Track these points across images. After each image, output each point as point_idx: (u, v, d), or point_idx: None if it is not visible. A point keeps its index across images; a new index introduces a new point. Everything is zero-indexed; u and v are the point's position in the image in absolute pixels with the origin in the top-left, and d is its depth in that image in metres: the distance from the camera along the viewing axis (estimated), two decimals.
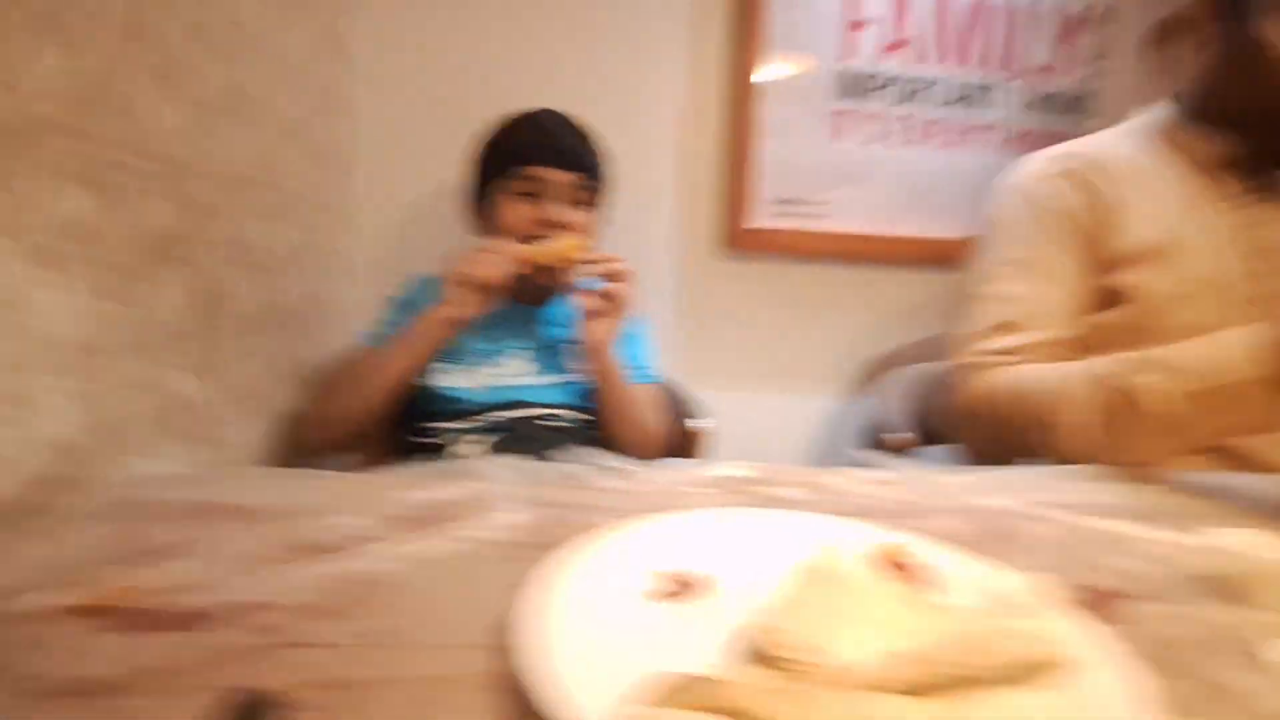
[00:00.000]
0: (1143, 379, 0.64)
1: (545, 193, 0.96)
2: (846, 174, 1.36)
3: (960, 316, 0.87)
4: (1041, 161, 0.88)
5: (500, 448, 0.94)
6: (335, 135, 1.22)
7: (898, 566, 0.40)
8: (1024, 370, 0.76)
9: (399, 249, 1.33)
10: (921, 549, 0.42)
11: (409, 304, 1.02)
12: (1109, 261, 0.81)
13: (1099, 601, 0.40)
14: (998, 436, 0.77)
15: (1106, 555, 0.47)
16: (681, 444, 1.09)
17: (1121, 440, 0.65)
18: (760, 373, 1.44)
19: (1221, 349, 0.60)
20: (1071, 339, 0.82)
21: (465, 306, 0.89)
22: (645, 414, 1.00)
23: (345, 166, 1.26)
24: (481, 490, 0.54)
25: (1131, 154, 0.85)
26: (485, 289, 0.89)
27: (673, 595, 0.38)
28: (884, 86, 1.34)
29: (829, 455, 1.43)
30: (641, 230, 1.36)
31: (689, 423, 1.10)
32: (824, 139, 1.35)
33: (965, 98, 1.36)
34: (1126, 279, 0.80)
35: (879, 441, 1.10)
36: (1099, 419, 0.66)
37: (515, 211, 0.97)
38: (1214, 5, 0.79)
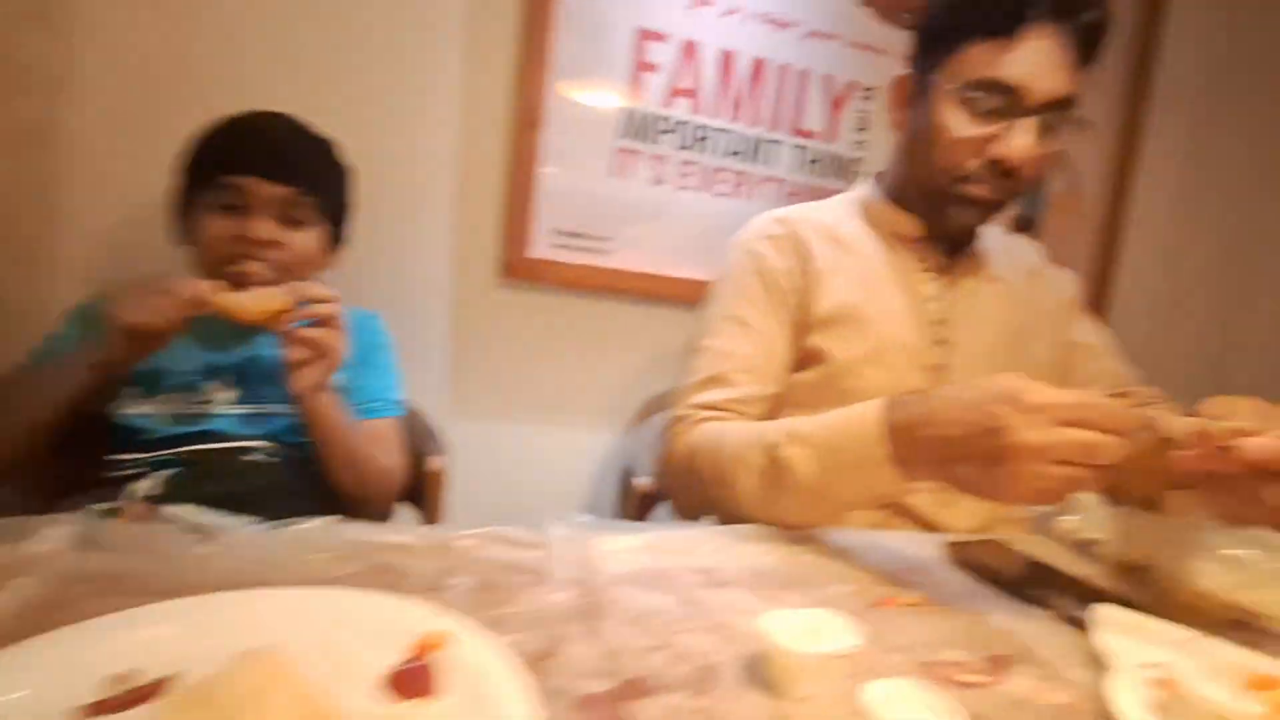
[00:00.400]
0: (787, 449, 0.66)
1: (251, 207, 0.86)
2: (630, 212, 1.38)
3: (682, 369, 0.89)
4: (761, 223, 0.92)
5: (185, 484, 0.83)
6: (36, 115, 1.05)
7: (411, 673, 0.36)
8: (716, 428, 0.78)
9: (121, 246, 1.16)
10: (464, 639, 0.39)
11: (88, 318, 0.88)
12: (809, 324, 0.86)
13: (621, 694, 0.39)
14: (693, 493, 0.78)
15: (681, 634, 0.46)
16: (419, 482, 1.03)
17: (777, 505, 0.67)
18: (536, 406, 1.41)
19: (850, 422, 0.63)
20: (777, 395, 0.85)
21: (121, 352, 0.76)
22: (369, 453, 0.92)
23: (53, 151, 1.09)
24: (12, 556, 0.45)
25: (838, 224, 0.91)
26: (146, 337, 0.75)
27: (112, 707, 0.32)
28: (670, 130, 1.37)
29: (598, 494, 1.42)
30: (414, 253, 1.29)
31: (429, 460, 1.03)
32: (608, 175, 1.35)
33: (747, 150, 1.43)
34: (820, 341, 0.84)
35: (629, 485, 1.09)
36: (761, 483, 0.68)
37: (215, 226, 0.86)
38: (902, 91, 0.86)
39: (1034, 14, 0.73)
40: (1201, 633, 0.51)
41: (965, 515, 0.84)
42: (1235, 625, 0.62)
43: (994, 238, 0.96)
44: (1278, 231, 1.99)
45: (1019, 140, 0.74)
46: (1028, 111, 0.74)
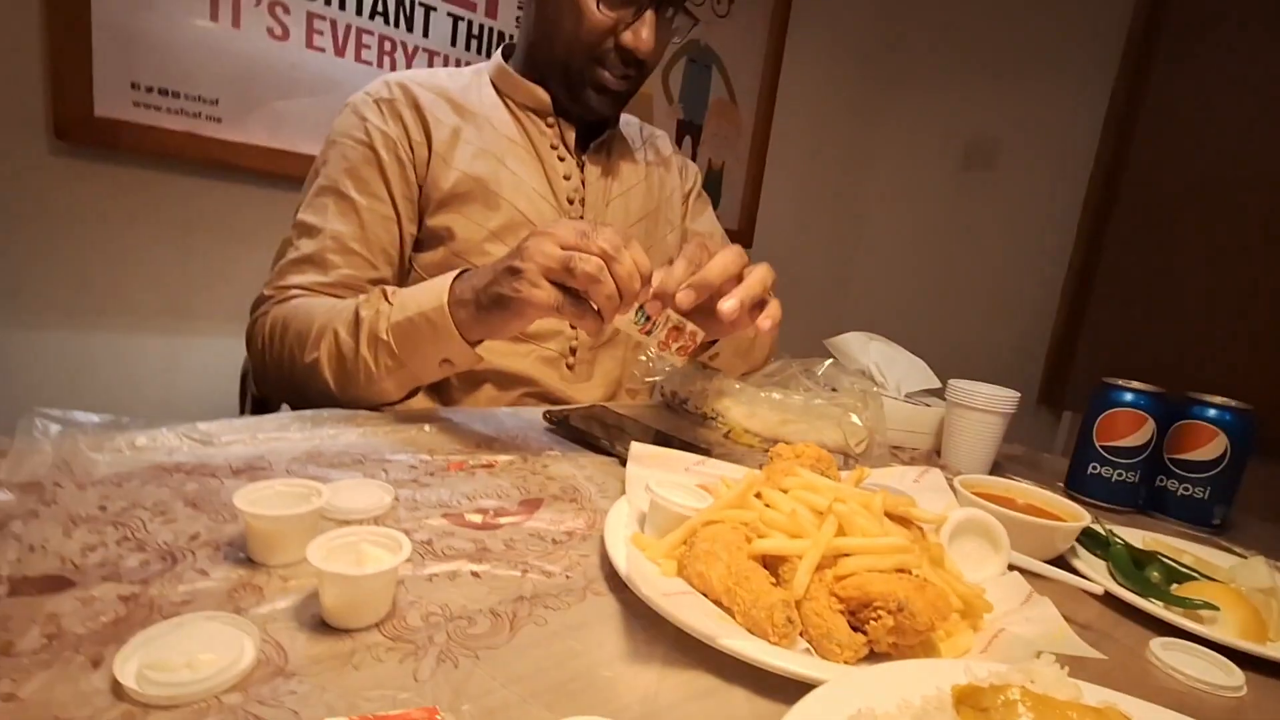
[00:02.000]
0: (369, 307, 0.63)
1: None
2: (245, 69, 1.15)
3: (283, 245, 0.78)
4: (374, 86, 0.83)
5: None
6: None
7: None
8: (307, 301, 0.71)
9: None
10: None
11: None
12: (430, 200, 0.80)
13: (20, 590, 0.32)
14: (282, 372, 0.71)
15: (151, 525, 0.40)
16: None
17: (358, 374, 0.64)
18: (126, 309, 1.15)
19: (433, 282, 0.62)
20: (381, 279, 0.79)
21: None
22: None
23: None
24: None
25: (466, 92, 0.85)
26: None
27: None
28: None
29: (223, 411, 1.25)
30: None
31: None
32: (206, 19, 1.10)
33: (392, 13, 1.27)
34: (445, 219, 0.80)
35: (246, 393, 0.97)
36: (343, 351, 0.64)
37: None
38: None
39: None
40: (714, 458, 0.61)
41: (591, 389, 0.90)
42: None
43: (629, 123, 0.99)
44: (885, 139, 2.43)
45: (646, 31, 0.77)
46: (654, 3, 0.77)
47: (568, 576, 0.42)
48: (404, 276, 0.83)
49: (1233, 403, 0.71)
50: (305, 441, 0.57)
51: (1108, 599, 0.49)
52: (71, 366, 1.10)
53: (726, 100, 2.00)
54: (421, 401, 0.81)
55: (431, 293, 0.61)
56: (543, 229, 0.56)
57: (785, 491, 0.46)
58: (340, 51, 1.23)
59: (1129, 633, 0.47)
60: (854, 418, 0.76)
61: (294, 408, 0.67)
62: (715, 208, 1.07)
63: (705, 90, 1.94)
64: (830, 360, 0.89)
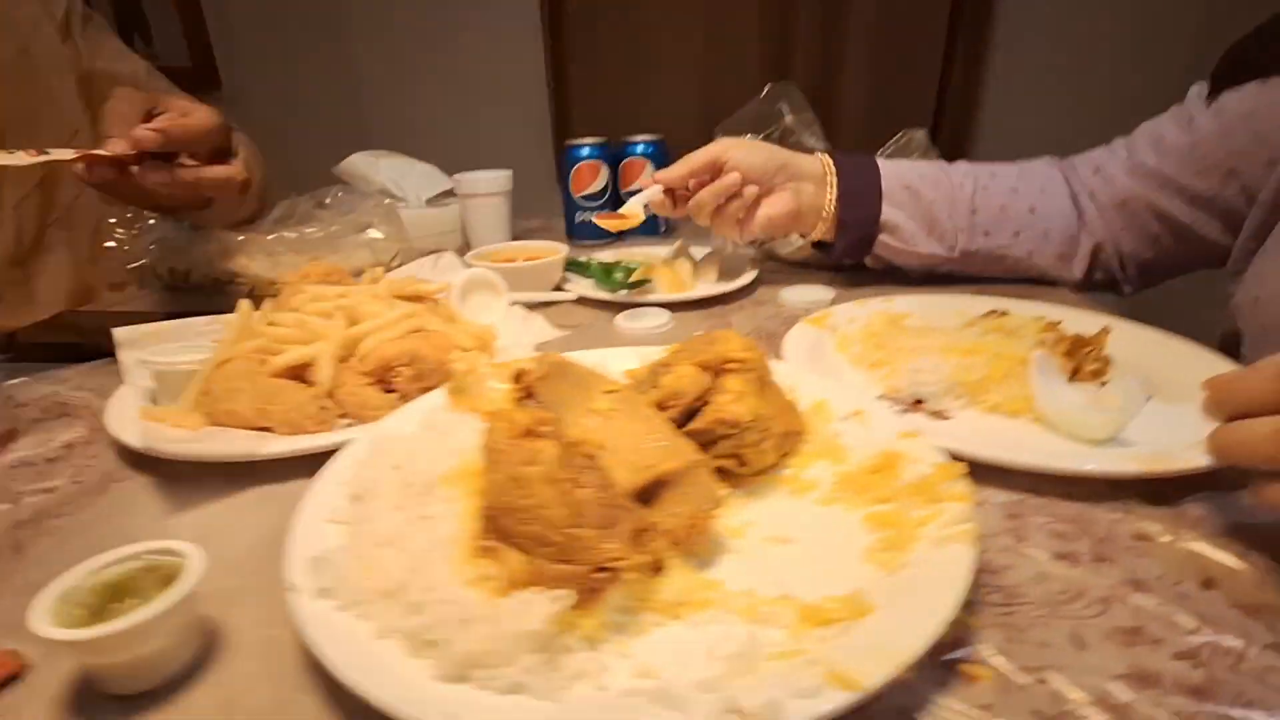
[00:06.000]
0: None
1: None
2: None
3: None
4: None
5: None
6: None
7: None
8: None
9: None
10: None
11: None
12: None
13: None
14: None
15: None
16: None
17: None
18: None
19: None
20: None
21: None
22: None
23: None
24: None
25: None
26: None
27: None
28: None
29: None
30: None
31: None
32: None
33: None
34: None
35: None
36: None
37: None
38: None
39: None
40: None
41: (37, 312, 0.71)
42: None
43: None
44: None
45: None
46: None
47: (76, 482, 0.38)
48: None
49: (650, 136, 0.91)
50: None
51: (589, 302, 0.65)
52: None
53: None
54: None
55: None
56: None
57: (296, 311, 0.46)
58: None
59: (602, 314, 0.63)
60: (373, 233, 0.77)
61: None
62: None
63: None
64: (338, 187, 0.85)
